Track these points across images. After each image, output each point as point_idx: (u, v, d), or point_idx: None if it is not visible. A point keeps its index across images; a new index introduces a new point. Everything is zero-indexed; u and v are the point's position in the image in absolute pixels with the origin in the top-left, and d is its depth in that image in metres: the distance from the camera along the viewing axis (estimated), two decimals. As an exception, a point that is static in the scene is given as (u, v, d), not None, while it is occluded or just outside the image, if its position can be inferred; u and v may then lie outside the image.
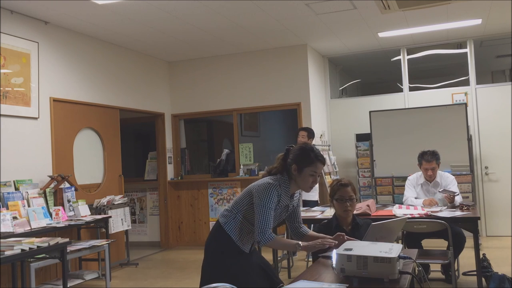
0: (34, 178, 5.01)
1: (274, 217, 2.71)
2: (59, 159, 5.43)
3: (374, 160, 6.78)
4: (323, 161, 2.76)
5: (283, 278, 4.97)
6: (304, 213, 4.53)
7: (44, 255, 3.96)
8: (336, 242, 2.68)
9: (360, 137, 7.21)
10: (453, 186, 4.60)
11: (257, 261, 2.86)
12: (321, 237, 2.81)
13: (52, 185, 5.08)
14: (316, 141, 6.94)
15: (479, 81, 7.16)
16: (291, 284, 2.08)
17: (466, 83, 7.22)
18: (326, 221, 3.34)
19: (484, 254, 4.60)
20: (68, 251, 4.25)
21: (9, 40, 4.85)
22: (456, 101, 7.06)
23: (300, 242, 2.70)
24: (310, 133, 5.82)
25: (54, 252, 3.86)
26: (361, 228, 3.16)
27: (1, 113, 4.72)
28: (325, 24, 6.06)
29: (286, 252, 5.42)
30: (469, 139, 6.38)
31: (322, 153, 6.22)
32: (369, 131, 6.88)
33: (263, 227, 2.60)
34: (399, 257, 2.11)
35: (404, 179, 5.05)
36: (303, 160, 2.71)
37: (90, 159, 6.04)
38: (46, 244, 3.72)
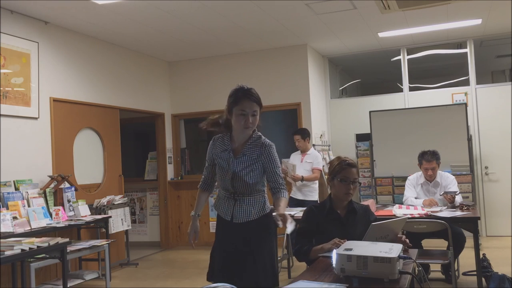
0: (34, 178, 5.01)
1: (222, 178, 2.76)
2: (59, 159, 5.43)
3: (374, 160, 6.78)
4: (252, 99, 2.62)
5: (282, 278, 4.98)
6: (304, 213, 4.53)
7: (44, 255, 3.95)
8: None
9: (360, 137, 7.21)
10: (453, 186, 4.60)
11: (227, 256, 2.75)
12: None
13: (52, 185, 5.08)
14: (316, 141, 6.95)
15: (479, 81, 7.16)
16: (291, 284, 2.08)
17: (466, 83, 7.22)
18: (318, 204, 3.04)
19: (484, 254, 4.60)
20: (68, 251, 4.25)
21: (9, 40, 4.85)
22: (456, 101, 7.06)
23: (193, 212, 2.88)
24: (303, 134, 5.77)
25: (54, 252, 3.86)
26: (357, 213, 2.90)
27: (1, 113, 4.72)
28: (325, 24, 6.06)
29: (286, 252, 5.43)
30: (469, 139, 6.38)
31: (321, 153, 6.15)
32: (369, 131, 6.88)
33: (203, 175, 2.94)
34: (399, 257, 2.11)
35: (404, 179, 5.05)
36: (231, 100, 2.65)
37: (90, 159, 6.04)
38: (46, 244, 3.72)
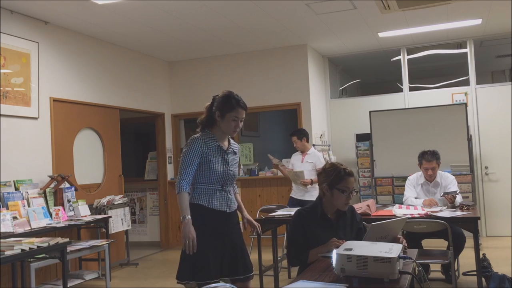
0: (34, 178, 5.01)
1: (221, 172, 2.91)
2: (59, 159, 5.43)
3: (374, 160, 6.78)
4: (244, 107, 2.98)
5: (282, 278, 4.98)
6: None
7: (44, 255, 3.96)
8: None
9: (360, 137, 7.20)
10: (453, 186, 4.60)
11: (221, 245, 2.89)
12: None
13: (52, 185, 5.08)
14: (316, 141, 6.95)
15: (479, 81, 7.16)
16: (291, 284, 2.08)
17: (466, 83, 7.22)
18: (308, 208, 2.95)
19: (484, 254, 4.60)
20: (68, 251, 4.25)
21: (9, 40, 4.85)
22: (456, 101, 7.06)
23: (188, 216, 2.78)
24: (300, 134, 5.76)
25: (54, 252, 3.86)
26: (346, 215, 2.90)
27: (1, 113, 4.72)
28: (325, 24, 6.06)
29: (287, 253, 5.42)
30: (469, 139, 6.38)
31: (321, 153, 6.19)
32: (369, 131, 6.88)
33: (180, 178, 2.85)
34: (399, 257, 2.11)
35: (404, 179, 5.05)
36: (225, 106, 2.95)
37: (90, 159, 6.04)
38: (46, 244, 3.72)
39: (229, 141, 3.07)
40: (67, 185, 5.25)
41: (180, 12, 5.32)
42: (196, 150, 2.88)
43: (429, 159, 4.62)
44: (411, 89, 7.44)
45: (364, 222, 3.20)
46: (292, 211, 4.49)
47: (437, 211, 4.13)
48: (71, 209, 5.20)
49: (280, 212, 4.71)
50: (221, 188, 2.94)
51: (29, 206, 4.66)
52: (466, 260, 4.91)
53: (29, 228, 4.42)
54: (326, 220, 2.85)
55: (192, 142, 2.91)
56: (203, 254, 2.80)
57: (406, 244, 2.65)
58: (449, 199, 4.36)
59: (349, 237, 2.81)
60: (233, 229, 2.98)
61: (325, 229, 2.81)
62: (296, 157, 5.84)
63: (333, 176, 2.81)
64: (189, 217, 2.80)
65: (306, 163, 5.68)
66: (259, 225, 3.20)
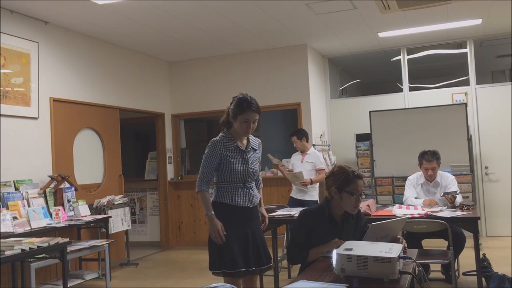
0: (34, 178, 5.01)
1: (242, 171, 3.09)
2: (59, 159, 5.43)
3: (374, 160, 6.78)
4: (255, 110, 3.09)
5: (282, 278, 4.98)
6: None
7: (44, 255, 3.96)
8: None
9: (360, 137, 7.20)
10: (453, 186, 4.60)
11: (244, 239, 3.09)
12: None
13: (52, 185, 5.08)
14: (316, 141, 6.95)
15: (479, 81, 7.16)
16: (291, 284, 2.08)
17: (466, 83, 7.22)
18: (314, 209, 2.94)
19: (484, 254, 4.60)
20: (68, 251, 4.25)
21: (9, 40, 4.85)
22: (456, 101, 7.06)
23: (211, 212, 3.04)
24: (299, 134, 5.76)
25: (54, 252, 3.86)
26: (351, 218, 2.88)
27: (1, 113, 4.72)
28: (325, 24, 6.06)
29: (286, 252, 5.42)
30: (469, 139, 6.38)
31: (321, 153, 6.19)
32: (369, 131, 6.88)
33: (200, 178, 3.09)
34: (399, 257, 2.11)
35: (404, 179, 5.05)
36: (237, 108, 3.09)
37: (90, 159, 6.04)
38: (46, 244, 3.72)
39: (248, 139, 3.22)
40: (67, 185, 5.25)
41: (180, 12, 5.32)
42: (215, 153, 3.09)
43: (429, 159, 4.62)
44: (411, 89, 7.44)
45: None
46: (292, 211, 4.51)
47: (437, 211, 4.13)
48: (71, 209, 5.20)
49: (280, 212, 4.71)
50: (243, 186, 3.14)
51: (29, 206, 4.66)
52: (466, 260, 4.91)
53: (29, 228, 4.42)
54: (332, 223, 2.84)
55: (212, 145, 3.11)
56: (229, 247, 3.03)
57: (406, 244, 2.64)
58: (449, 199, 4.36)
59: (353, 240, 2.80)
60: (255, 222, 3.20)
61: (330, 231, 2.80)
62: (296, 157, 5.84)
63: (341, 179, 2.79)
64: (212, 212, 3.04)
65: (306, 163, 5.68)
66: (265, 221, 3.39)
